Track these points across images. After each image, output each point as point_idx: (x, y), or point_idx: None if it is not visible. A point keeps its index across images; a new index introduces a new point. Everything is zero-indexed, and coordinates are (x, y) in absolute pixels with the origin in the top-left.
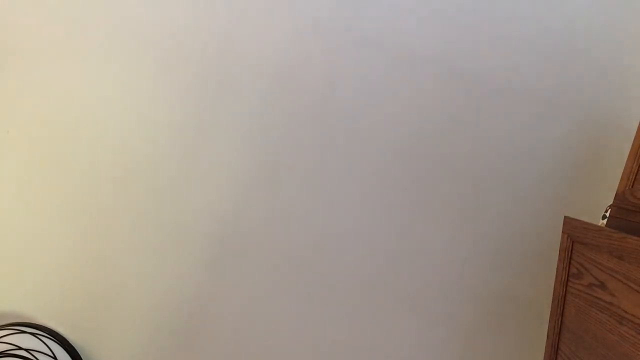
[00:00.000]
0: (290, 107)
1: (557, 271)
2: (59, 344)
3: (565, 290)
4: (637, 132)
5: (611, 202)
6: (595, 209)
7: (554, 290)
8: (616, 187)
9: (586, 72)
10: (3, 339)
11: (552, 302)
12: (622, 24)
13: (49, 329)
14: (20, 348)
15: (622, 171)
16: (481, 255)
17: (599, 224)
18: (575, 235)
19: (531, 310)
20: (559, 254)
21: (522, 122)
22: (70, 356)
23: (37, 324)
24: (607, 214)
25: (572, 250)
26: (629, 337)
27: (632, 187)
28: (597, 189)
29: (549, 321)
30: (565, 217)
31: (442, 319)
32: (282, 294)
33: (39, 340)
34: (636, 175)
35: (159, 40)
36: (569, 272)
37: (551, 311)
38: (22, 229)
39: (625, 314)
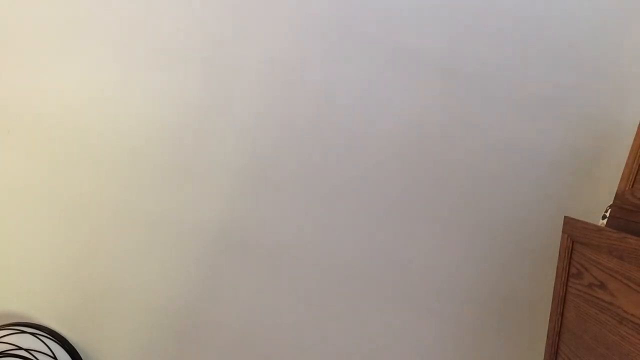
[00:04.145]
0: (289, 106)
1: (557, 271)
2: (59, 344)
3: (565, 290)
4: (637, 132)
5: (611, 202)
6: (595, 209)
7: (554, 290)
8: (616, 187)
9: (586, 73)
10: (3, 339)
11: (552, 302)
12: (622, 24)
13: (49, 329)
14: (20, 348)
15: (622, 171)
16: (481, 255)
17: (599, 224)
18: (575, 235)
19: (531, 310)
20: (559, 254)
21: (522, 122)
22: (70, 356)
23: (37, 324)
24: (607, 214)
25: (572, 250)
26: (629, 337)
27: (632, 187)
28: (597, 189)
29: (549, 321)
30: (565, 217)
31: (442, 318)
32: (281, 292)
33: (39, 340)
34: (636, 175)
35: (159, 40)
36: (569, 272)
37: (551, 311)
38: (22, 229)
39: (625, 314)
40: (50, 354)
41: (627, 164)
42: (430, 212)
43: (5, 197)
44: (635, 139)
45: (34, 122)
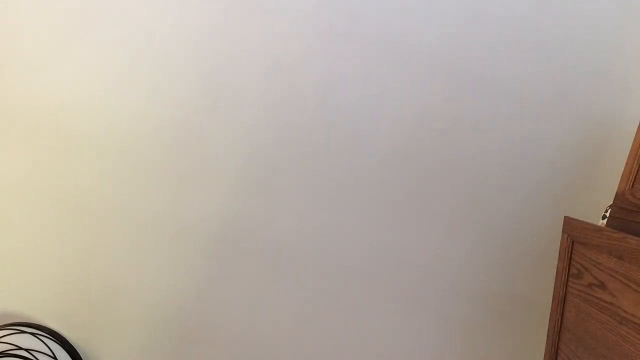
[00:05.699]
0: (290, 105)
1: (557, 271)
2: (59, 344)
3: (565, 290)
4: (637, 132)
5: (611, 202)
6: (595, 209)
7: (554, 290)
8: (616, 187)
9: (586, 72)
10: (3, 339)
11: (552, 302)
12: (622, 24)
13: (49, 329)
14: (20, 348)
15: (622, 171)
16: (481, 256)
17: (599, 224)
18: (575, 235)
19: (531, 310)
20: (559, 254)
21: (522, 122)
22: (70, 356)
23: (37, 324)
24: (607, 214)
25: (572, 250)
26: (629, 337)
27: (632, 187)
28: (597, 189)
29: (549, 321)
30: (565, 217)
31: (442, 319)
32: (281, 294)
33: (39, 340)
34: (636, 175)
35: (158, 39)
36: (569, 272)
37: (551, 311)
38: (23, 228)
39: (625, 314)
40: (50, 354)
41: (627, 164)
42: (431, 212)
43: (5, 197)
44: (635, 139)
45: (34, 122)
